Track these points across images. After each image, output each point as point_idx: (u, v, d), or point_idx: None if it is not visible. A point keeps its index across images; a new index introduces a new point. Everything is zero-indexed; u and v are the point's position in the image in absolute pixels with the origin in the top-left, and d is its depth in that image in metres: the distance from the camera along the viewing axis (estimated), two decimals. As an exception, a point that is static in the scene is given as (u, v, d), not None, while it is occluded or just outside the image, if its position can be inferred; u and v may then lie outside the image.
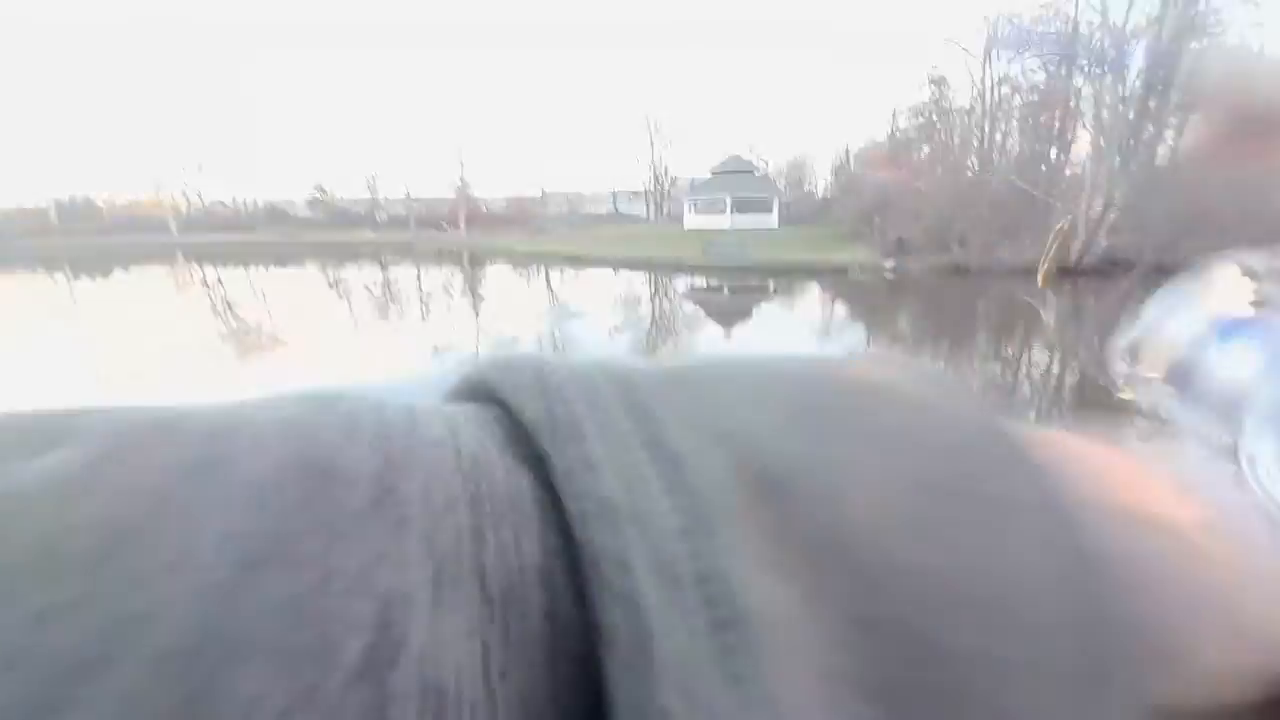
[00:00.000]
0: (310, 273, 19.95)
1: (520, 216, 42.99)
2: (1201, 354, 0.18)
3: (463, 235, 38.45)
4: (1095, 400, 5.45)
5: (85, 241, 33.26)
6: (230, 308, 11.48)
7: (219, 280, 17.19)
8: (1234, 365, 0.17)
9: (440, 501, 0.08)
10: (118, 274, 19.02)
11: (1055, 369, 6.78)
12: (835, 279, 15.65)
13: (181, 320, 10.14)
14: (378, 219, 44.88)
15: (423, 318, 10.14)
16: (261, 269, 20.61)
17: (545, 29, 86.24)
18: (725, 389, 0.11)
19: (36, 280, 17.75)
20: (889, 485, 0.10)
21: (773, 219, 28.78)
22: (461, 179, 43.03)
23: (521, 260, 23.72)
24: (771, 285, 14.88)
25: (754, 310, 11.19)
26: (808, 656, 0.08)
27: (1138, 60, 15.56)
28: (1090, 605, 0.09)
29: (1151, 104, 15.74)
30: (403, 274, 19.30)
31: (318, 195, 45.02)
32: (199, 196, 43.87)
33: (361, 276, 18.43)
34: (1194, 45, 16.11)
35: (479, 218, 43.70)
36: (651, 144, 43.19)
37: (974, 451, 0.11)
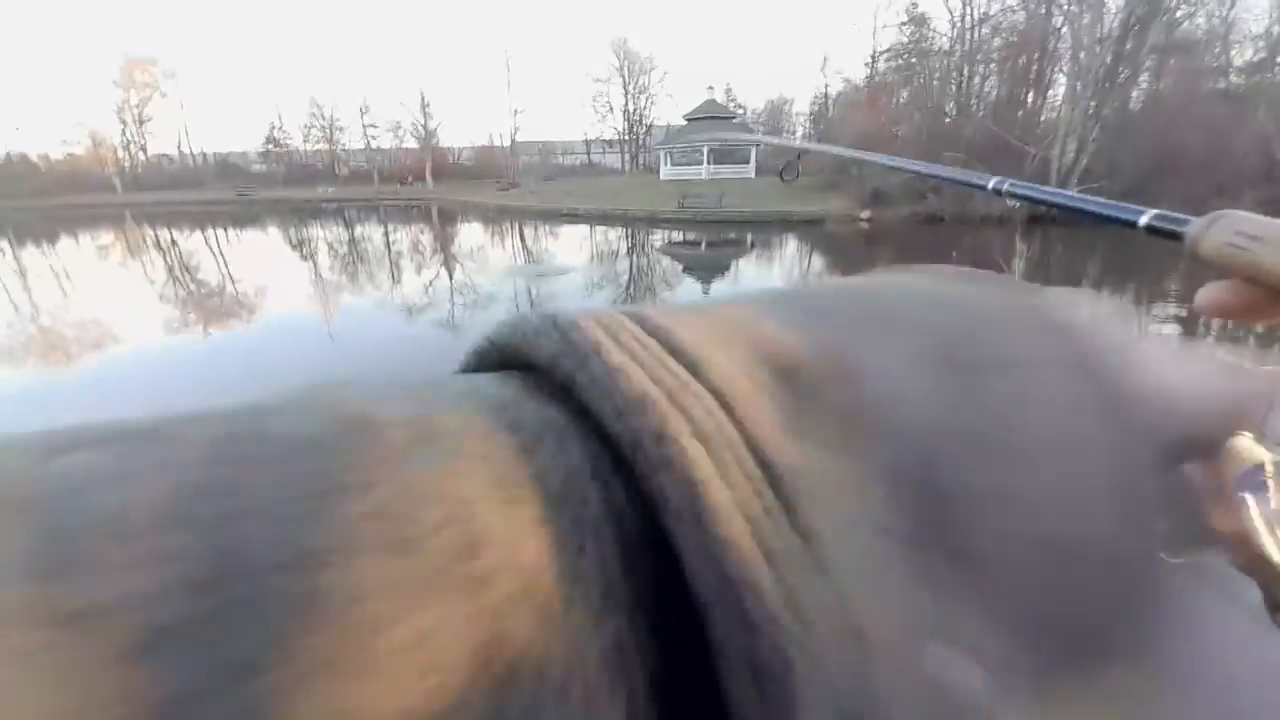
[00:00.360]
0: (272, 232, 19.10)
1: (490, 169, 41.35)
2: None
3: (430, 189, 36.99)
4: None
5: (24, 204, 31.05)
6: (190, 273, 10.98)
7: (173, 243, 16.35)
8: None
9: (480, 430, 0.09)
10: (65, 240, 17.92)
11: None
12: (812, 230, 15.59)
13: (141, 289, 9.69)
14: (338, 172, 42.74)
15: (393, 279, 9.86)
16: (220, 230, 19.63)
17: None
18: (735, 309, 0.12)
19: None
20: (892, 362, 0.11)
21: (750, 169, 28.24)
22: (426, 128, 40.92)
23: (493, 215, 23.02)
24: (749, 239, 14.79)
25: (732, 265, 11.15)
26: (833, 502, 0.09)
27: (1116, 1, 15.31)
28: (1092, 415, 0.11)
29: (1128, 46, 15.60)
30: (369, 232, 18.60)
31: (271, 147, 42.46)
32: (142, 150, 41.03)
33: (325, 235, 17.72)
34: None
35: (446, 170, 41.88)
36: (625, 89, 41.45)
37: (981, 326, 0.12)
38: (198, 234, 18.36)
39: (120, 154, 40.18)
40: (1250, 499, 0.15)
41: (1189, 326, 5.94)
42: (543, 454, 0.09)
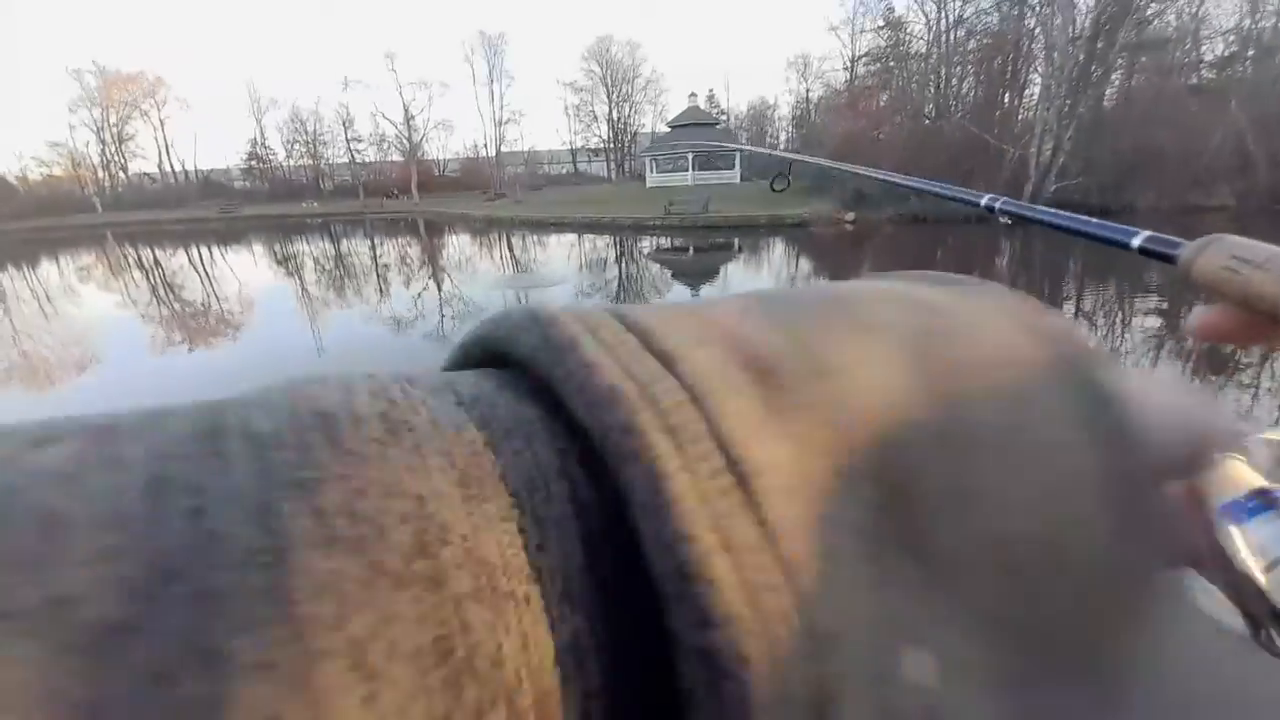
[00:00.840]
0: (256, 250, 18.95)
1: (476, 180, 41.31)
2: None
3: (416, 202, 36.87)
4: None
5: (1, 228, 30.56)
6: (173, 291, 10.85)
7: (155, 263, 16.16)
8: (1248, 548, 0.19)
9: (449, 426, 0.09)
10: (45, 264, 17.65)
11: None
12: (798, 233, 15.72)
13: (123, 309, 9.56)
14: (323, 187, 42.50)
15: (381, 293, 9.81)
16: (203, 248, 19.44)
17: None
18: (717, 309, 0.12)
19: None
20: (866, 361, 0.11)
21: (735, 174, 28.47)
22: (410, 140, 40.85)
23: (480, 227, 22.98)
24: (737, 243, 14.89)
25: (720, 270, 11.21)
26: (801, 499, 0.09)
27: (1087, 1, 15.67)
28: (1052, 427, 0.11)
29: (1100, 45, 15.97)
30: (356, 246, 18.50)
31: (254, 163, 42.17)
32: (122, 170, 40.58)
33: (312, 250, 17.59)
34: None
35: (432, 182, 41.78)
36: (609, 97, 41.71)
37: (959, 327, 0.12)
38: (180, 253, 18.17)
39: (100, 174, 39.73)
40: (1234, 525, 0.16)
41: (1173, 326, 6.07)
42: (509, 450, 0.09)
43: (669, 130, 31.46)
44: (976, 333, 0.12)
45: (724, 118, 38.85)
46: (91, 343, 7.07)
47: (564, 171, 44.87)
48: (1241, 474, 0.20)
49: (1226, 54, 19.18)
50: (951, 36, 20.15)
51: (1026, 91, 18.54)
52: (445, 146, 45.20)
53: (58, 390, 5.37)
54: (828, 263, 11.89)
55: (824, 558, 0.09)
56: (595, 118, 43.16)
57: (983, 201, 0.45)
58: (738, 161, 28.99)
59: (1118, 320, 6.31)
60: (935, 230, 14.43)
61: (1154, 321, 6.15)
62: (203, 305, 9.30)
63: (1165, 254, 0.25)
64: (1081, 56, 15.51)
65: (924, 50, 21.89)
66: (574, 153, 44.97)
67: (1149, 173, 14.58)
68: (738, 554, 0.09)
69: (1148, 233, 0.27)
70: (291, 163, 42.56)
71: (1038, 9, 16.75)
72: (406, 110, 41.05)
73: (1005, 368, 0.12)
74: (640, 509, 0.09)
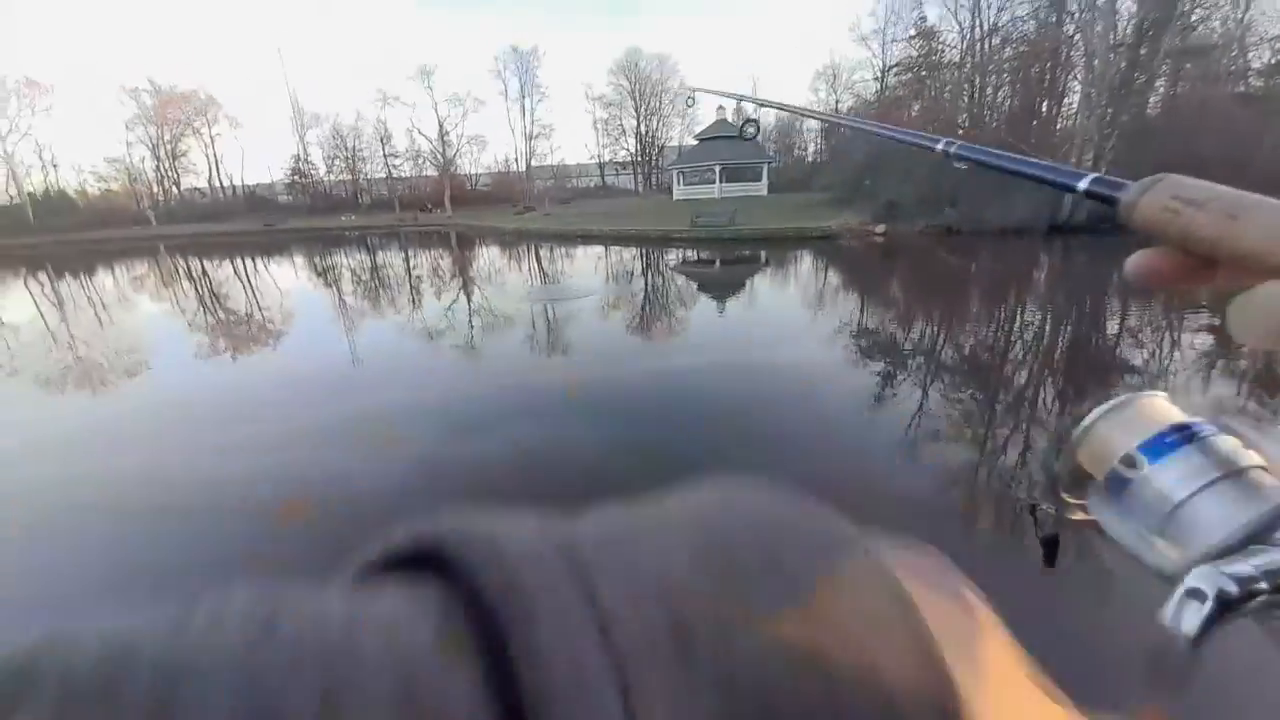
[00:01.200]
0: (298, 261, 19.68)
1: (507, 193, 42.28)
2: (1135, 468, 0.20)
3: (449, 215, 37.86)
4: (1089, 368, 5.55)
5: (63, 238, 32.50)
6: (219, 301, 11.35)
7: (203, 273, 16.94)
8: (1167, 482, 0.20)
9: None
10: (102, 273, 18.69)
11: (1047, 332, 6.85)
12: (826, 246, 15.56)
13: (172, 318, 10.04)
14: (361, 202, 44.02)
15: (414, 303, 10.07)
16: (248, 259, 20.30)
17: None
18: (646, 539, 0.12)
19: (18, 284, 17.44)
20: (774, 619, 0.11)
21: (762, 186, 28.42)
22: (444, 156, 42.06)
23: (510, 239, 23.44)
24: (763, 255, 14.81)
25: (746, 283, 11.16)
26: None
27: (1129, 5, 15.22)
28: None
29: (1142, 52, 15.46)
30: (391, 259, 19.06)
31: (297, 179, 43.94)
32: (175, 185, 42.78)
33: (350, 262, 18.17)
34: (1187, -11, 15.83)
35: (464, 196, 42.92)
36: (637, 112, 42.23)
37: (847, 581, 0.12)
38: (226, 264, 18.99)
39: (154, 189, 41.94)
40: (1145, 467, 0.16)
41: (1221, 336, 5.78)
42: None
43: (697, 143, 31.60)
44: (849, 590, 0.12)
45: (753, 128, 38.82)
46: (141, 349, 7.43)
47: (592, 185, 45.51)
48: (1161, 410, 0.20)
49: (1275, 61, 18.37)
50: (986, 45, 19.81)
51: (1065, 100, 18.05)
52: (477, 161, 46.47)
53: (108, 394, 5.66)
54: (855, 277, 11.72)
55: None
56: (623, 131, 43.73)
57: (939, 145, 0.45)
58: (765, 174, 28.93)
59: (1165, 338, 6.04)
60: (970, 242, 14.10)
61: (1204, 340, 5.87)
62: (246, 315, 9.69)
63: (1108, 196, 0.24)
64: (1123, 64, 15.04)
65: (957, 59, 21.56)
66: (602, 166, 45.58)
67: (1198, 183, 13.95)
68: None
69: (1094, 174, 0.26)
70: (332, 178, 44.24)
71: (1077, 15, 16.33)
72: (441, 126, 42.35)
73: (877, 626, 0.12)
74: None
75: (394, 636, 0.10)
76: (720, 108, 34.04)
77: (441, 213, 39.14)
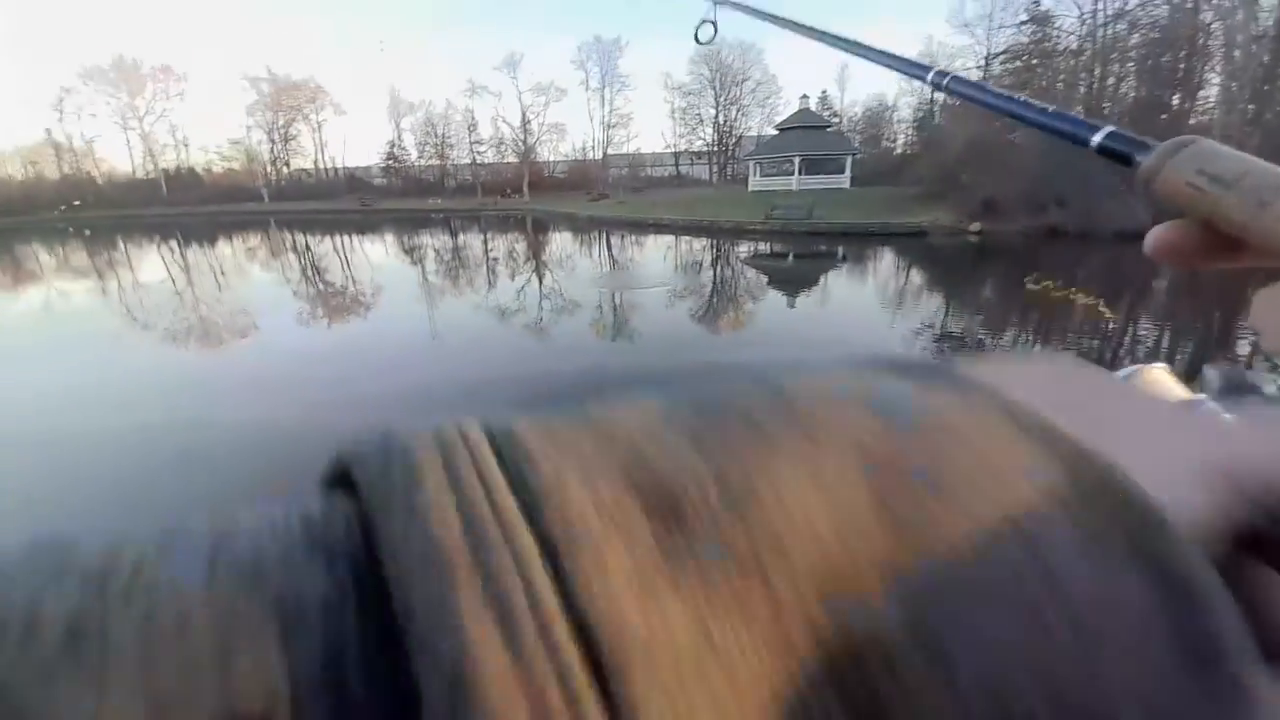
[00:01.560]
0: (388, 239, 21.00)
1: (582, 180, 42.98)
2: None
3: (526, 200, 39.03)
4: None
5: (191, 210, 36.48)
6: (320, 273, 12.35)
7: (306, 247, 18.45)
8: None
9: (176, 616, 0.08)
10: (221, 243, 20.82)
11: (1166, 346, 6.13)
12: (913, 244, 14.68)
13: (278, 287, 11.02)
14: (447, 186, 46.25)
15: (490, 284, 10.49)
16: (345, 236, 21.90)
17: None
18: (628, 419, 0.10)
19: (153, 250, 19.74)
20: (802, 493, 0.09)
21: (845, 179, 27.18)
22: (525, 143, 43.33)
23: (583, 225, 23.82)
24: (841, 251, 14.20)
25: (820, 279, 10.75)
26: (690, 680, 0.08)
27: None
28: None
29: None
30: (471, 240, 19.91)
31: (391, 163, 46.76)
32: (285, 165, 46.72)
33: (433, 243, 19.16)
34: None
35: (542, 182, 44.09)
36: (716, 101, 41.55)
37: (933, 437, 0.10)
38: (327, 240, 20.57)
39: (268, 169, 46.03)
40: None
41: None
42: (301, 631, 0.08)
43: (776, 133, 30.67)
44: (959, 450, 0.10)
45: (836, 120, 37.20)
46: (252, 313, 8.21)
47: (666, 174, 45.35)
48: (1162, 383, 0.19)
49: None
50: (1109, 31, 17.83)
51: (1201, 93, 15.97)
52: (556, 148, 47.49)
53: (224, 350, 6.30)
54: (941, 279, 10.99)
55: None
56: (701, 120, 43.15)
57: (929, 75, 0.41)
58: (848, 166, 27.67)
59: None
60: (1077, 247, 12.84)
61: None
62: (341, 287, 10.47)
63: (1124, 154, 0.22)
64: (1267, 57, 13.08)
65: (1075, 46, 19.57)
66: (677, 155, 45.26)
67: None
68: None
69: (1110, 128, 0.24)
70: (422, 162, 46.70)
71: (1215, 2, 14.38)
72: (524, 114, 43.62)
73: (996, 500, 0.09)
74: (430, 712, 0.07)
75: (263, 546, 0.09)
76: (804, 96, 32.80)
77: (520, 198, 40.38)
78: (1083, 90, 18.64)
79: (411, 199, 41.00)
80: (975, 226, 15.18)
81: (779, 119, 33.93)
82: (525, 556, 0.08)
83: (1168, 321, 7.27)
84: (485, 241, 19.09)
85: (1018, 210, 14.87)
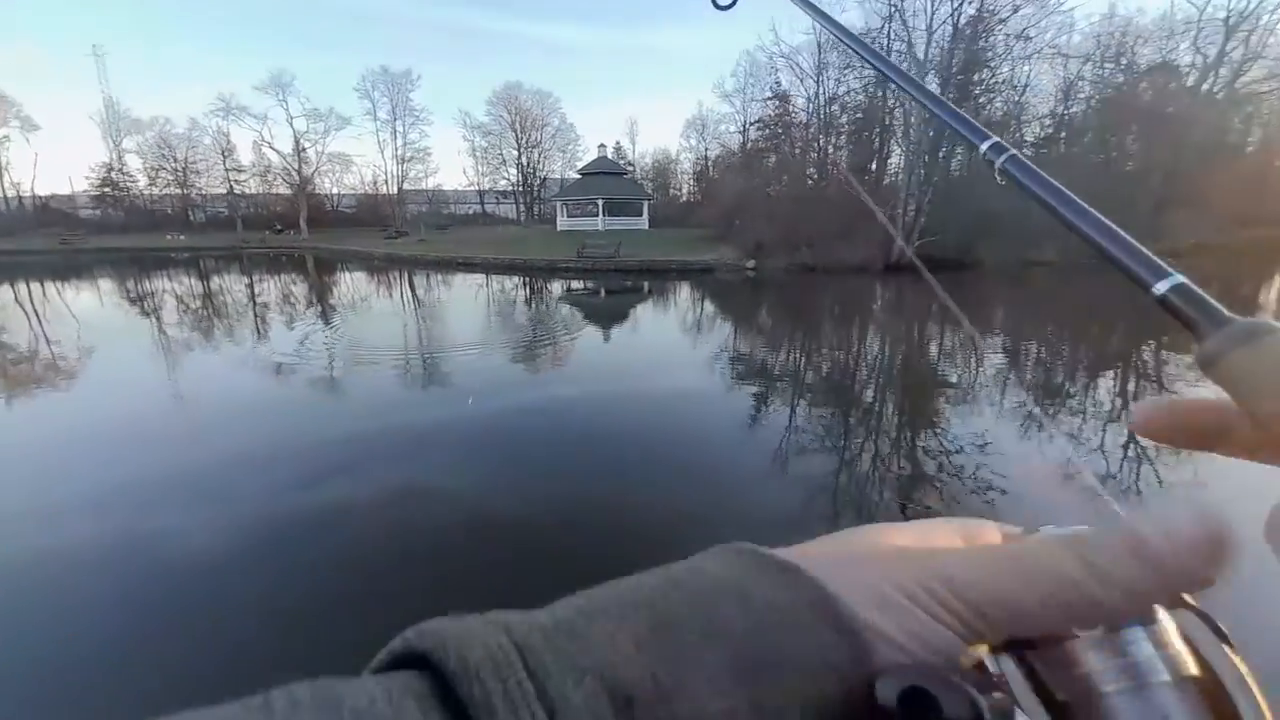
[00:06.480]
0: (104, 286, 16.53)
1: (374, 216, 39.45)
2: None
3: (305, 237, 34.36)
4: (916, 379, 6.40)
5: None
6: (-16, 333, 9.04)
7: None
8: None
9: None
10: None
11: (886, 353, 7.82)
12: (705, 278, 16.52)
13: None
14: (192, 219, 38.39)
15: (258, 333, 8.85)
16: (34, 284, 16.61)
17: (401, 14, 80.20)
18: (596, 628, 0.14)
19: None
20: (702, 687, 0.13)
21: (644, 221, 29.62)
22: (300, 173, 38.30)
23: (380, 265, 21.79)
24: (646, 286, 15.31)
25: (630, 312, 11.42)
26: None
27: (934, 86, 18.49)
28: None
29: (945, 126, 18.82)
30: (231, 283, 16.75)
31: (108, 191, 37.33)
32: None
33: (176, 288, 15.66)
34: (976, 76, 19.68)
35: (324, 218, 39.29)
36: (518, 143, 42.08)
37: (772, 632, 0.14)
38: (5, 288, 15.40)
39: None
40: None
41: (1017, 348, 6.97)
42: None
43: (580, 177, 32.22)
44: (787, 638, 0.14)
45: (631, 168, 40.55)
46: None
47: (471, 212, 44.20)
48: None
49: (1044, 135, 23.47)
50: (828, 110, 22.84)
51: (890, 161, 21.29)
52: (340, 180, 42.99)
53: None
54: (730, 305, 12.54)
55: None
56: (504, 161, 43.31)
57: (983, 147, 0.35)
58: (645, 209, 30.25)
59: (971, 353, 7.15)
60: (823, 278, 15.83)
61: (999, 359, 7.03)
62: (28, 350, 7.84)
63: (1189, 319, 0.20)
64: (931, 133, 18.14)
65: (805, 120, 24.54)
66: (481, 194, 44.55)
67: (991, 233, 17.14)
68: None
69: (1178, 280, 0.21)
70: (155, 191, 38.24)
71: (897, 93, 19.52)
72: (298, 141, 38.66)
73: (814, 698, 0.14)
74: None
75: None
76: (602, 145, 35.19)
77: (296, 234, 35.49)
78: (814, 155, 23.35)
79: (139, 234, 33.16)
80: (750, 263, 17.71)
81: (580, 164, 35.77)
82: None
83: (884, 332, 9.27)
84: (250, 285, 16.21)
85: (780, 250, 17.81)
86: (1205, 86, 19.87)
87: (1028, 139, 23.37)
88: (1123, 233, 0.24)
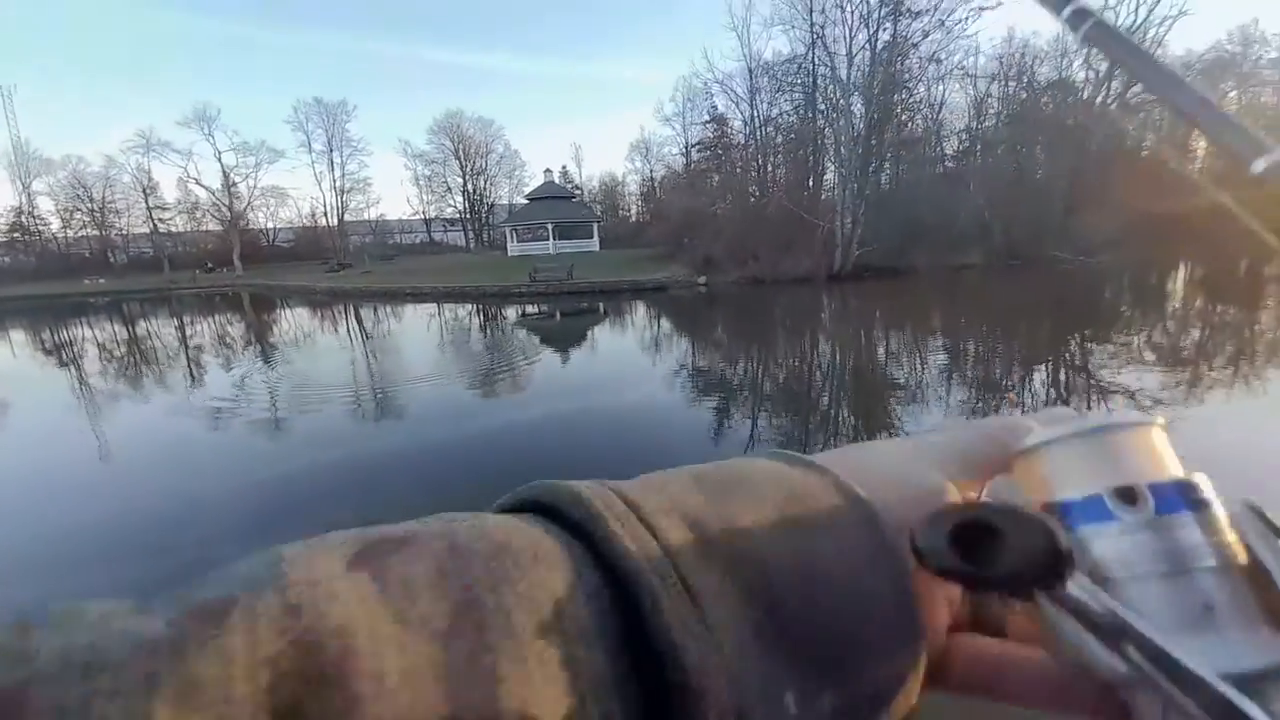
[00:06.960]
0: (15, 337, 15.21)
1: (314, 250, 38.05)
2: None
3: (240, 274, 32.73)
4: (866, 382, 6.67)
5: None
6: None
7: None
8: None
9: (549, 555, 0.15)
10: None
11: (836, 359, 8.11)
12: (659, 295, 16.72)
13: None
14: (114, 261, 35.96)
15: (192, 378, 8.31)
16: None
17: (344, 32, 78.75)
18: (673, 483, 0.19)
19: None
20: (752, 521, 0.18)
21: (594, 242, 29.79)
22: (230, 208, 36.60)
23: (323, 299, 20.98)
24: (601, 307, 15.34)
25: (587, 333, 11.40)
26: (717, 600, 0.16)
27: (859, 107, 19.57)
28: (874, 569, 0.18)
29: (874, 142, 19.96)
30: (159, 326, 15.74)
31: (17, 235, 34.59)
32: None
33: (98, 335, 14.57)
34: (896, 97, 21.00)
35: (259, 253, 37.59)
36: (462, 170, 41.73)
37: (802, 497, 0.19)
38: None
39: None
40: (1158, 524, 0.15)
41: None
42: (580, 584, 0.15)
43: (528, 202, 32.19)
44: (816, 503, 0.19)
45: (579, 191, 40.85)
46: None
47: (418, 241, 43.32)
48: (1162, 454, 0.17)
49: (961, 149, 25.19)
50: (763, 132, 23.82)
51: (826, 177, 22.36)
52: (275, 214, 41.37)
53: None
54: (686, 321, 12.72)
55: (735, 633, 0.15)
56: (449, 189, 42.83)
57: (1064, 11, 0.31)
58: (596, 230, 30.47)
59: (915, 357, 7.51)
60: (772, 290, 16.32)
61: (940, 359, 7.41)
62: (-83, 410, 7.09)
63: None
64: (861, 150, 19.18)
65: (743, 141, 25.49)
66: (428, 222, 43.80)
67: (919, 240, 18.18)
68: (696, 639, 0.14)
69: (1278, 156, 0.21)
70: (70, 233, 35.72)
71: (826, 113, 20.58)
72: (227, 176, 37.02)
73: (833, 527, 0.18)
74: (649, 614, 0.14)
75: (535, 541, 0.16)
76: (548, 170, 35.32)
77: (230, 272, 33.81)
78: (754, 174, 24.23)
79: (53, 281, 30.80)
80: (701, 279, 18.06)
81: (527, 189, 35.77)
82: (647, 537, 0.16)
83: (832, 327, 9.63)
84: (180, 328, 15.27)
85: (729, 264, 18.26)
86: (1099, 99, 21.85)
87: (948, 152, 25.05)
88: (1220, 107, 0.24)
